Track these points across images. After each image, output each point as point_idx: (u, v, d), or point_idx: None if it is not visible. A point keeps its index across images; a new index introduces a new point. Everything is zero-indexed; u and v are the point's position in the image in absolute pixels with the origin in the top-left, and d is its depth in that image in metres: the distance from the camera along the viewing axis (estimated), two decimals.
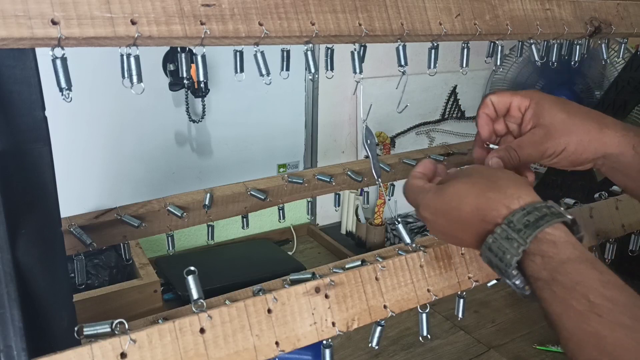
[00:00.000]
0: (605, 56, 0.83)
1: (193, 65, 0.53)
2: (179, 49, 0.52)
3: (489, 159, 0.58)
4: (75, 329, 0.44)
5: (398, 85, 0.63)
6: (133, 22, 0.44)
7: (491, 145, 0.61)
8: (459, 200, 0.50)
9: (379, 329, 0.60)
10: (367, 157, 0.68)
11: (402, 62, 0.62)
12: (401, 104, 0.63)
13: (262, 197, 0.93)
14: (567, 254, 0.42)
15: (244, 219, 0.97)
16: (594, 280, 0.40)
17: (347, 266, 0.60)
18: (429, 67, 0.66)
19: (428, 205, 0.53)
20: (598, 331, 0.38)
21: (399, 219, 0.64)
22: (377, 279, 0.57)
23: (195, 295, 0.48)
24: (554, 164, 0.58)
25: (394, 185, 1.18)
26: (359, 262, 0.61)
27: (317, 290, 0.53)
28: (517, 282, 0.44)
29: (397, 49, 0.62)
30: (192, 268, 0.49)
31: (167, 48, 1.40)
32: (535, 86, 2.01)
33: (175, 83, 1.51)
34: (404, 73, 0.62)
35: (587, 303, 0.39)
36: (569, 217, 0.45)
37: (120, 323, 0.44)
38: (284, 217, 1.02)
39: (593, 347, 0.38)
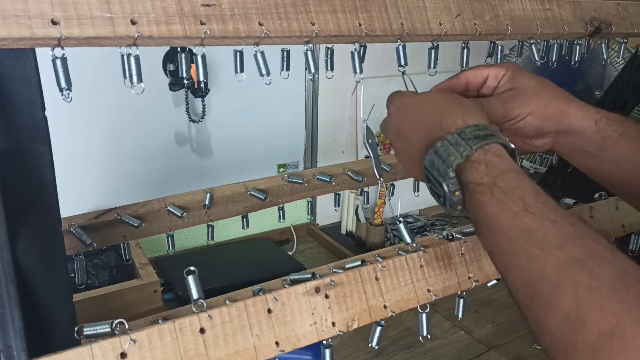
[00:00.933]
0: (605, 56, 0.83)
1: (193, 65, 0.53)
2: (179, 49, 0.52)
3: None
4: (75, 329, 0.44)
5: (406, 85, 0.64)
6: (133, 22, 0.44)
7: None
8: (428, 103, 0.55)
9: (379, 329, 0.60)
10: (367, 157, 0.68)
11: (402, 62, 0.62)
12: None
13: (262, 197, 0.93)
14: (508, 165, 0.47)
15: (244, 219, 0.97)
16: (529, 187, 0.45)
17: (347, 266, 0.60)
18: (429, 67, 0.66)
19: (401, 99, 0.57)
20: (529, 226, 0.42)
21: (401, 219, 0.64)
22: (377, 279, 0.57)
23: (195, 295, 0.48)
24: (517, 129, 0.60)
25: (394, 185, 1.18)
26: (359, 262, 0.61)
27: (317, 290, 0.53)
28: (450, 186, 0.47)
29: (397, 49, 0.62)
30: (192, 268, 0.49)
31: (167, 48, 1.40)
32: None
33: (175, 83, 1.51)
34: (404, 73, 0.62)
35: (522, 204, 0.43)
36: (512, 146, 0.49)
37: (120, 323, 0.44)
38: (284, 217, 1.02)
39: (524, 240, 0.42)
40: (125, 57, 0.47)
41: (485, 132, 0.48)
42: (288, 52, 0.60)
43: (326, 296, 0.54)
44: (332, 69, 0.64)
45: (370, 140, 0.65)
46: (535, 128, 0.60)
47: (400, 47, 0.62)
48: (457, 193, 0.48)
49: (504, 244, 0.43)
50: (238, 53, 0.56)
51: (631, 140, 0.58)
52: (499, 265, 0.45)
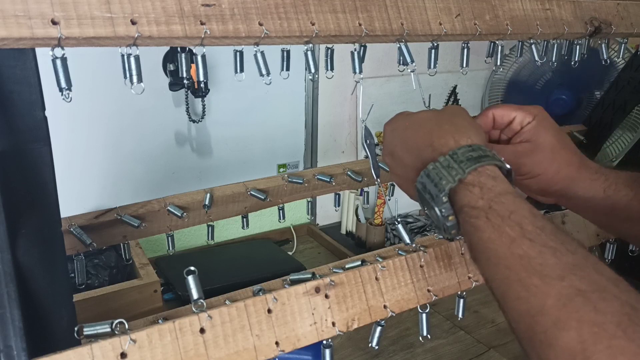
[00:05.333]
0: (605, 56, 0.83)
1: (193, 65, 0.53)
2: (179, 49, 0.52)
3: None
4: (75, 329, 0.44)
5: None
6: (133, 22, 0.44)
7: None
8: (420, 122, 0.54)
9: (379, 329, 0.60)
10: (367, 157, 0.68)
11: (408, 61, 0.62)
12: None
13: (262, 197, 0.93)
14: (504, 188, 0.45)
15: (244, 219, 0.97)
16: (526, 211, 0.43)
17: (347, 266, 0.60)
18: (429, 67, 0.66)
19: (395, 119, 0.57)
20: (527, 253, 0.40)
21: (399, 219, 0.64)
22: (377, 279, 0.57)
23: (195, 295, 0.48)
24: (524, 185, 0.59)
25: (393, 186, 1.18)
26: (359, 262, 0.61)
27: (317, 290, 0.53)
28: (443, 211, 0.46)
29: (399, 48, 0.62)
30: (192, 268, 0.49)
31: (167, 48, 1.40)
32: (535, 87, 2.01)
33: (175, 83, 1.51)
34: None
35: (520, 229, 0.41)
36: (508, 166, 0.48)
37: (120, 323, 0.44)
38: (284, 217, 1.02)
39: (522, 268, 0.40)
40: (125, 57, 0.47)
41: (478, 153, 0.47)
42: (288, 52, 0.60)
43: (326, 296, 0.54)
44: (332, 69, 0.64)
45: (368, 141, 0.65)
46: (540, 188, 0.59)
47: (403, 46, 0.62)
48: (450, 218, 0.46)
49: (501, 272, 0.41)
50: (238, 53, 0.56)
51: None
52: (497, 294, 0.42)
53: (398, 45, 0.62)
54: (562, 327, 0.35)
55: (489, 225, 0.43)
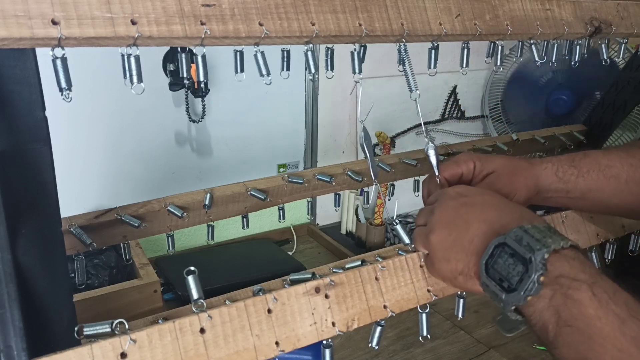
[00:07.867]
0: (605, 56, 0.83)
1: (193, 65, 0.53)
2: (179, 49, 0.52)
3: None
4: (75, 329, 0.44)
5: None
6: (133, 22, 0.44)
7: None
8: (490, 195, 0.58)
9: (379, 329, 0.60)
10: (365, 157, 0.69)
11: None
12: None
13: (262, 197, 0.93)
14: (598, 270, 0.44)
15: (244, 219, 0.97)
16: (624, 291, 0.42)
17: (347, 266, 0.60)
18: (429, 67, 0.66)
19: (457, 188, 0.60)
20: (639, 334, 0.39)
21: (397, 220, 0.64)
22: (377, 279, 0.57)
23: (195, 295, 0.48)
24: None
25: (393, 185, 1.18)
26: (359, 262, 0.61)
27: (317, 290, 0.53)
28: (539, 267, 0.44)
29: (399, 49, 0.62)
30: (192, 268, 0.49)
31: (167, 48, 1.40)
32: (535, 87, 2.01)
33: (175, 83, 1.51)
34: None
35: (627, 309, 0.40)
36: None
37: (120, 323, 0.44)
38: (284, 217, 1.02)
39: (637, 348, 0.39)
40: (125, 57, 0.47)
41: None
42: (288, 52, 0.60)
43: (326, 296, 0.54)
44: (332, 69, 0.64)
45: (366, 142, 0.65)
46: (524, 200, 0.66)
47: (402, 48, 0.62)
48: (542, 278, 0.43)
49: (610, 352, 0.40)
50: (238, 53, 0.56)
51: (587, 175, 0.66)
52: None
53: (398, 47, 0.62)
54: None
55: (595, 301, 0.41)
